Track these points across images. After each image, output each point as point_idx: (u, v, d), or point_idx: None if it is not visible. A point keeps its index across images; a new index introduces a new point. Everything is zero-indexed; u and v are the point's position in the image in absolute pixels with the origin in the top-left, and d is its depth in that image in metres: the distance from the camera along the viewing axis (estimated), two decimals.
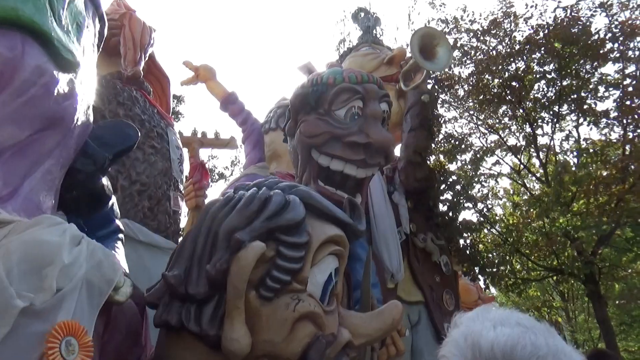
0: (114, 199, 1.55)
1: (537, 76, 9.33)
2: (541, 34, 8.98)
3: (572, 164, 8.96)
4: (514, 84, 9.36)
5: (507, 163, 10.32)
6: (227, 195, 1.27)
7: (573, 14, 8.52)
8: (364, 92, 1.62)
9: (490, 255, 7.49)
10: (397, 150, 2.69)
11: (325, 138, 1.58)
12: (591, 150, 8.41)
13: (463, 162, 9.32)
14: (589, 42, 8.69)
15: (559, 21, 8.65)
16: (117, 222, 1.60)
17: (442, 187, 3.67)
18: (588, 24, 8.70)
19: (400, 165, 2.46)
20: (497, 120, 10.03)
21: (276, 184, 1.29)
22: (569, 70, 8.99)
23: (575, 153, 9.11)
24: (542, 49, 9.03)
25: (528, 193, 9.64)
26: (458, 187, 4.17)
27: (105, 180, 1.43)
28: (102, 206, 1.43)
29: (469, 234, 4.30)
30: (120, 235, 1.57)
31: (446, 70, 10.13)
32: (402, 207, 2.38)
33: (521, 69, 9.26)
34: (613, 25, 8.76)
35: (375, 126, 1.60)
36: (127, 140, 1.46)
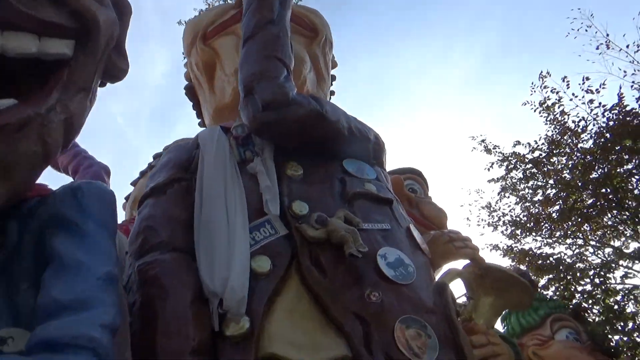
0: None
1: (624, 176, 9.03)
2: (606, 137, 9.04)
3: None
4: (603, 191, 9.10)
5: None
6: None
7: (623, 110, 8.67)
8: None
9: None
10: None
11: None
12: None
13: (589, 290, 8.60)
14: None
15: (615, 122, 8.78)
16: None
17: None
18: None
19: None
20: (605, 232, 9.41)
21: None
22: None
23: None
24: (615, 149, 8.98)
25: None
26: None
27: None
28: None
29: None
30: None
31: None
32: (263, 176, 1.17)
33: (604, 175, 9.09)
34: None
35: None
36: None
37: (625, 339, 8.14)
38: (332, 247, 1.04)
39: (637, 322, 8.45)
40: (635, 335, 7.89)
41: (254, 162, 1.21)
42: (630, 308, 8.48)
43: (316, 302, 0.97)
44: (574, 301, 8.66)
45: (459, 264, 1.51)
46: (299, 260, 1.02)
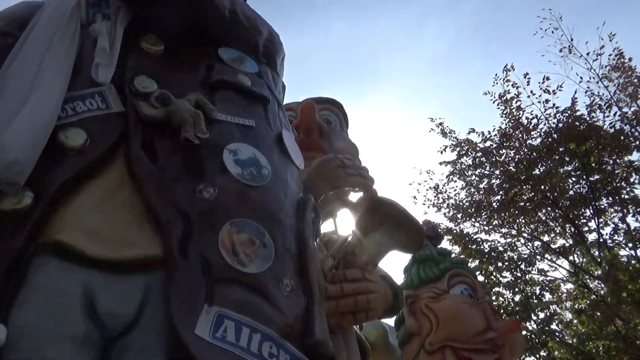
0: None
1: (563, 176, 9.47)
2: (553, 137, 9.40)
3: (630, 256, 8.45)
4: (542, 187, 9.52)
5: (562, 267, 9.82)
6: None
7: (573, 114, 9.02)
8: None
9: None
10: None
11: None
12: None
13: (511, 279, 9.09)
14: (603, 136, 9.00)
15: (564, 124, 9.12)
16: None
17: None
18: (594, 120, 9.11)
19: None
20: (537, 226, 9.91)
21: None
22: (593, 166, 9.14)
23: (630, 245, 8.65)
24: (559, 150, 9.37)
25: (593, 295, 8.94)
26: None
27: None
28: None
29: None
30: None
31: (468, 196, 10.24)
32: (102, 38, 0.93)
33: (545, 172, 9.49)
34: (627, 116, 9.16)
35: None
36: None
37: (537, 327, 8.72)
38: (171, 132, 0.85)
39: (551, 312, 9.04)
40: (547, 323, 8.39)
41: (97, 23, 0.96)
42: (546, 298, 9.07)
43: (139, 193, 0.79)
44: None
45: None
46: (130, 142, 0.83)
